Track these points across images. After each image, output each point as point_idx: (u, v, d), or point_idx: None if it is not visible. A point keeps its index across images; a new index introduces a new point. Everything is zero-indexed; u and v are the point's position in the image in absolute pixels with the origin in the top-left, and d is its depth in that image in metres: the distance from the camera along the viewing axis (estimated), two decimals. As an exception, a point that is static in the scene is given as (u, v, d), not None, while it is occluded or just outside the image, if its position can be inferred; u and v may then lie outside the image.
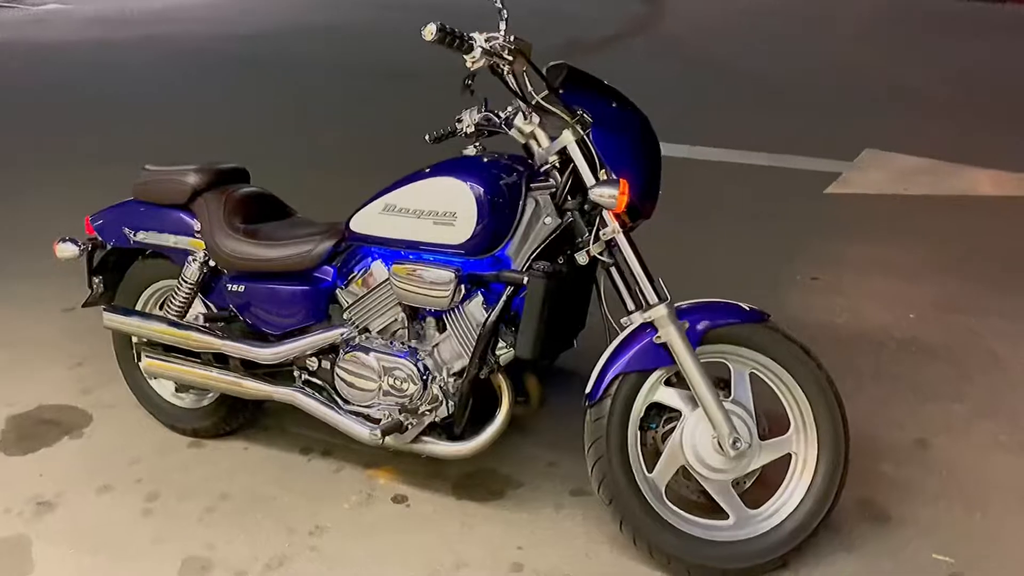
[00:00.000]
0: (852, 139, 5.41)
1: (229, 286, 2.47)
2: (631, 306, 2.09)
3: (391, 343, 2.30)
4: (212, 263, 2.50)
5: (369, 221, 2.24)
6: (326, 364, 2.38)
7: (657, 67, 7.78)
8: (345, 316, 2.35)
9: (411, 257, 2.20)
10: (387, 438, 2.23)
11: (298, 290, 2.38)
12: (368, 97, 7.08)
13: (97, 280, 2.72)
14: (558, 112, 2.03)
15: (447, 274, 2.11)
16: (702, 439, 2.05)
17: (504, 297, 2.10)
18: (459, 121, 2.18)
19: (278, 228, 2.50)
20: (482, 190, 2.07)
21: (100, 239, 2.67)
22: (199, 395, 2.72)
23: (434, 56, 2.57)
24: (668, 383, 2.11)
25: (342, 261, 2.36)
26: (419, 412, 2.23)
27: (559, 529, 2.29)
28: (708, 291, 2.18)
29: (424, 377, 2.22)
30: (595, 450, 2.08)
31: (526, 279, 2.06)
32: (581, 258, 2.09)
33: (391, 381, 2.24)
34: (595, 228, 2.05)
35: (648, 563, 2.12)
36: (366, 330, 2.33)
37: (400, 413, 2.25)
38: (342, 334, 2.33)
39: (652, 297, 2.04)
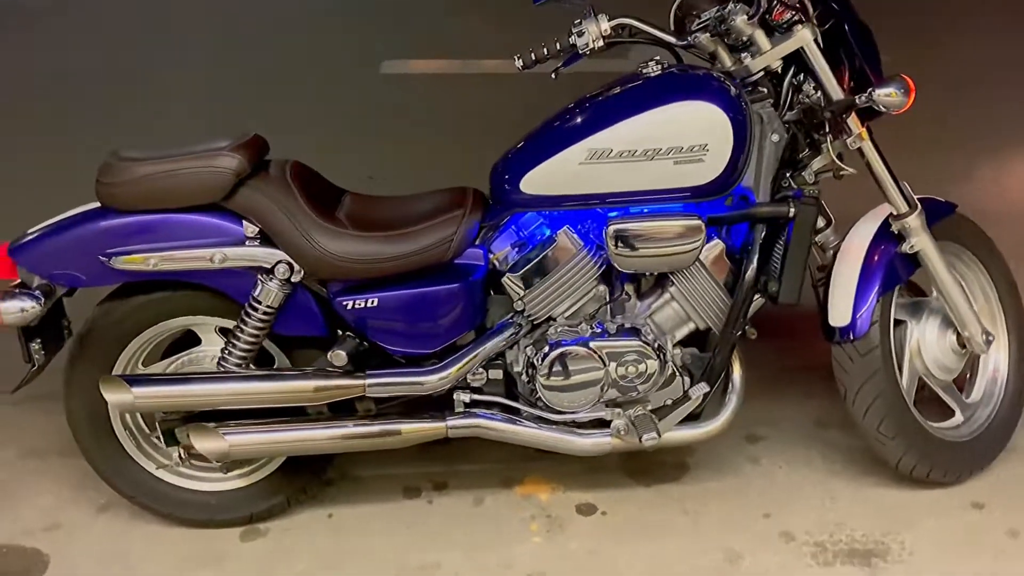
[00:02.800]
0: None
1: (349, 302, 1.76)
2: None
3: (597, 325, 1.81)
4: (299, 275, 1.74)
5: (559, 178, 1.74)
6: (495, 374, 1.83)
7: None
8: (518, 307, 1.81)
9: (632, 212, 1.74)
10: (644, 437, 1.79)
11: (452, 289, 1.78)
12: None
13: (36, 346, 1.75)
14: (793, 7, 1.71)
15: (695, 222, 1.71)
16: (940, 343, 1.98)
17: (761, 238, 1.76)
18: (579, 34, 1.73)
19: (377, 209, 1.86)
20: (734, 112, 1.69)
21: (47, 282, 1.72)
22: (253, 465, 1.93)
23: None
24: None
25: (494, 239, 1.82)
26: (650, 398, 1.83)
27: (792, 486, 2.05)
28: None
29: (660, 354, 1.79)
30: (872, 388, 1.87)
31: (792, 210, 1.75)
32: (810, 175, 1.81)
33: (620, 370, 1.78)
34: (827, 139, 1.79)
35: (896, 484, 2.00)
36: (548, 319, 1.82)
37: (620, 406, 1.83)
38: (519, 331, 1.81)
39: (902, 205, 1.85)
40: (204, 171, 1.69)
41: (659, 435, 1.80)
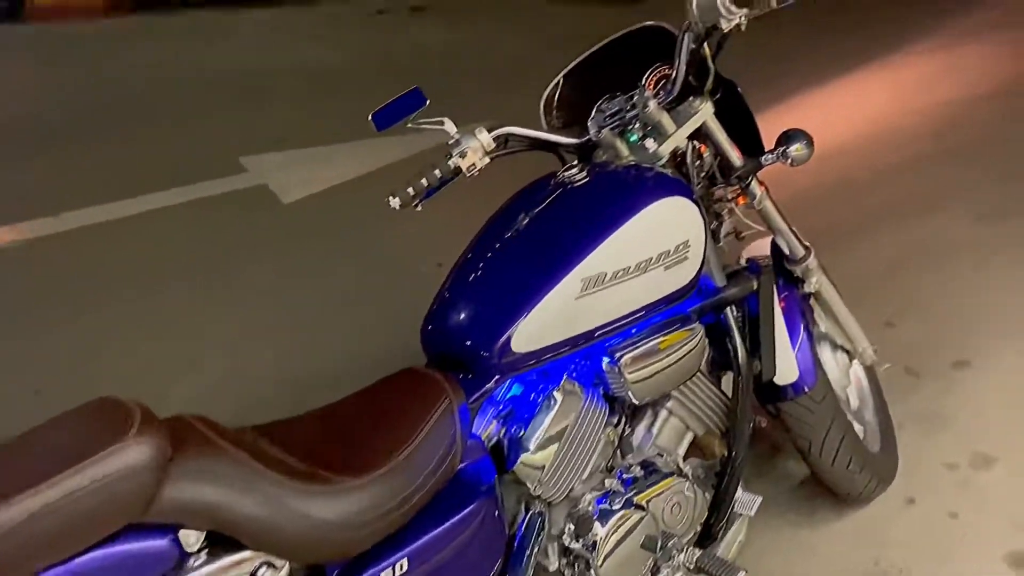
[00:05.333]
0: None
1: None
2: None
3: (617, 475, 1.58)
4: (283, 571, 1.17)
5: (555, 322, 1.42)
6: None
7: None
8: (537, 491, 1.45)
9: (627, 335, 1.54)
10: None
11: (482, 503, 1.35)
12: None
13: None
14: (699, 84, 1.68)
15: (693, 324, 1.59)
16: (833, 365, 2.07)
17: (740, 319, 1.72)
18: (461, 155, 1.54)
19: (318, 432, 1.33)
20: (695, 200, 1.58)
21: None
22: None
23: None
24: None
25: (483, 418, 1.45)
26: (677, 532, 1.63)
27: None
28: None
29: (685, 478, 1.61)
30: (836, 431, 1.91)
31: (756, 282, 1.73)
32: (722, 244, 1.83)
33: (668, 514, 1.58)
34: (731, 205, 1.80)
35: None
36: (568, 493, 1.49)
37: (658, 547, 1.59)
38: (542, 524, 1.49)
39: (800, 250, 1.90)
40: (111, 484, 0.97)
41: (744, 570, 1.59)
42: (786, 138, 1.69)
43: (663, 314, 1.57)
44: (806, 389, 1.85)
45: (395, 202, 1.56)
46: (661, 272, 1.51)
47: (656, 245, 1.50)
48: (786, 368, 1.82)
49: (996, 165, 3.94)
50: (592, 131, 1.67)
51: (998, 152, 4.08)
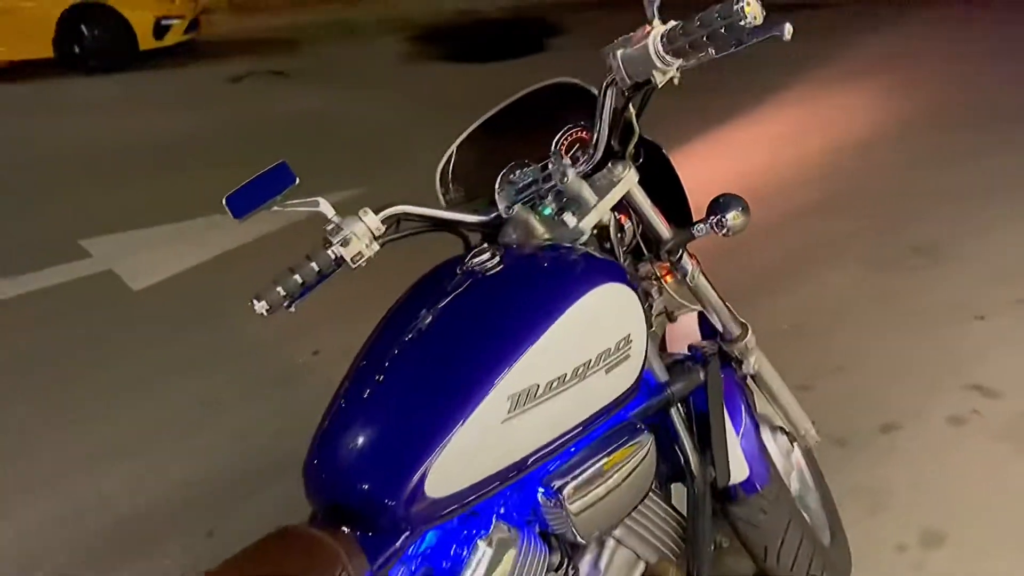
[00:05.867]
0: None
1: None
2: None
3: None
4: None
5: (478, 456, 1.13)
6: None
7: None
8: None
9: (575, 451, 1.26)
10: None
11: None
12: None
13: None
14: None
15: (642, 436, 1.32)
16: (775, 449, 1.84)
17: (686, 417, 1.47)
18: (344, 243, 1.23)
19: None
20: (632, 285, 1.30)
21: None
22: None
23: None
24: None
25: None
26: None
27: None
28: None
29: None
30: (795, 531, 1.67)
31: (703, 374, 1.48)
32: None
33: None
34: (661, 282, 1.55)
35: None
36: None
37: None
38: None
39: (737, 328, 1.66)
40: None
41: None
42: (719, 205, 1.47)
43: (604, 425, 1.28)
44: (759, 487, 1.60)
45: (260, 307, 1.22)
46: (602, 376, 1.22)
47: (594, 344, 1.21)
48: (735, 466, 1.57)
49: (874, 216, 3.95)
50: (501, 206, 1.38)
51: (868, 203, 4.11)
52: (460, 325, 1.20)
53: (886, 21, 8.43)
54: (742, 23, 1.07)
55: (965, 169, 4.42)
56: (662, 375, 1.44)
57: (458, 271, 1.30)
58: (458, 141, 1.53)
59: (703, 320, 1.70)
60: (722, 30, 1.09)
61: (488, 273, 1.26)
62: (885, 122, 5.33)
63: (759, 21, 1.07)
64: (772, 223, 3.86)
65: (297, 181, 1.30)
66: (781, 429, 1.88)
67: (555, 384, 1.16)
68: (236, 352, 3.17)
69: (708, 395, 1.47)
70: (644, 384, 1.37)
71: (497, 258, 1.27)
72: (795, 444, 1.92)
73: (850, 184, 4.38)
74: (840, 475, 2.22)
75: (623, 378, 1.26)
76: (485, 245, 1.31)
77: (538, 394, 1.14)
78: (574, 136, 1.49)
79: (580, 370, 1.18)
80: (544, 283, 1.23)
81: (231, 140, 6.05)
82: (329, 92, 7.28)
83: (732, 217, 1.45)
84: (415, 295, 1.31)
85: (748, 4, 1.06)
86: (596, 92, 1.37)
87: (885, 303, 3.16)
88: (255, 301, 1.22)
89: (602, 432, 1.28)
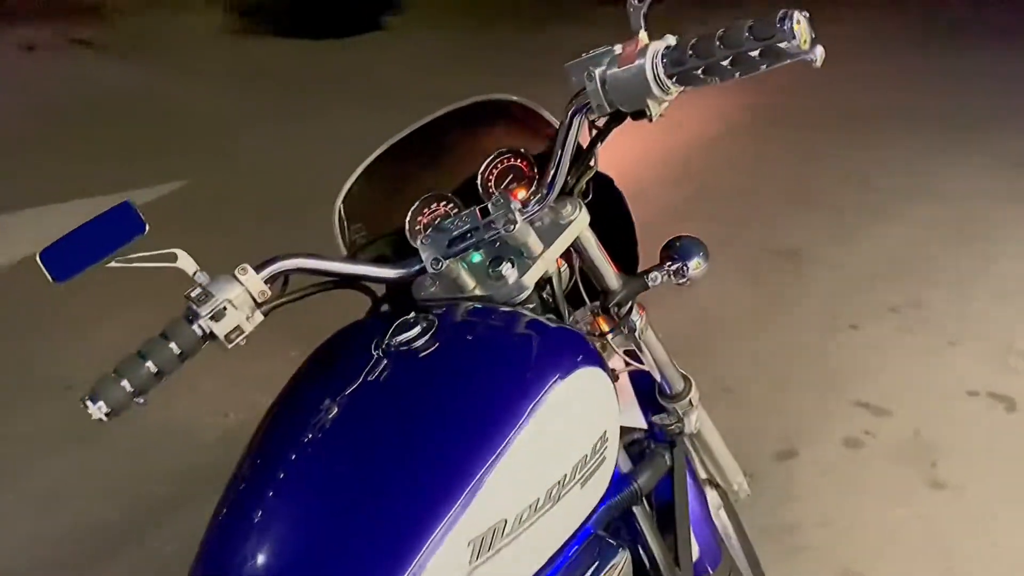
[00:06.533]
0: None
1: None
2: None
3: None
4: None
5: None
6: None
7: None
8: None
9: None
10: None
11: None
12: None
13: None
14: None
15: (619, 556, 1.06)
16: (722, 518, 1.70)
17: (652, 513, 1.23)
18: (216, 317, 0.91)
19: None
20: (601, 362, 1.03)
21: None
22: None
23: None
24: None
25: None
26: None
27: None
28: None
29: None
30: None
31: (668, 459, 1.25)
32: None
33: None
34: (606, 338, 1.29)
35: None
36: None
37: None
38: None
39: (680, 384, 1.42)
40: None
41: None
42: (677, 250, 1.25)
43: (571, 546, 1.01)
44: (710, 570, 1.39)
45: (98, 409, 0.87)
46: (578, 492, 0.95)
47: (570, 453, 0.93)
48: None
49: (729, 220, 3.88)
50: (426, 257, 1.07)
51: (720, 205, 4.03)
52: (391, 439, 0.89)
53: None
54: (783, 45, 0.82)
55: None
56: (624, 465, 1.18)
57: (374, 350, 0.98)
58: (359, 170, 1.20)
59: (635, 375, 1.46)
60: (754, 53, 0.83)
61: (420, 355, 0.95)
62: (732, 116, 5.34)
63: (807, 47, 0.83)
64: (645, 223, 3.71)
65: (147, 229, 0.94)
66: (711, 482, 1.69)
67: (526, 516, 0.87)
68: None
69: (674, 482, 1.23)
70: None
71: (429, 335, 0.96)
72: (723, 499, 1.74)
73: (701, 184, 4.30)
74: (749, 514, 2.08)
75: (598, 487, 1.00)
76: (412, 315, 1.00)
77: (506, 532, 0.85)
78: (505, 164, 1.21)
79: (554, 490, 0.90)
80: (501, 374, 0.94)
81: (24, 120, 5.26)
82: (141, 67, 6.53)
83: (694, 265, 1.23)
84: (314, 382, 0.99)
85: (798, 22, 0.81)
86: (549, 118, 1.09)
87: (770, 314, 3.06)
88: (87, 402, 0.87)
89: (569, 556, 1.00)
